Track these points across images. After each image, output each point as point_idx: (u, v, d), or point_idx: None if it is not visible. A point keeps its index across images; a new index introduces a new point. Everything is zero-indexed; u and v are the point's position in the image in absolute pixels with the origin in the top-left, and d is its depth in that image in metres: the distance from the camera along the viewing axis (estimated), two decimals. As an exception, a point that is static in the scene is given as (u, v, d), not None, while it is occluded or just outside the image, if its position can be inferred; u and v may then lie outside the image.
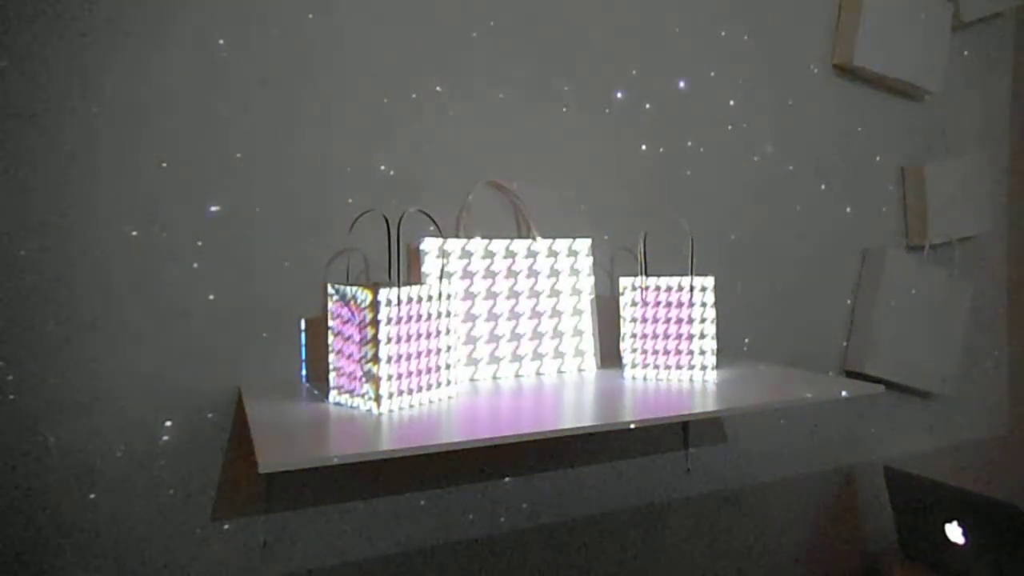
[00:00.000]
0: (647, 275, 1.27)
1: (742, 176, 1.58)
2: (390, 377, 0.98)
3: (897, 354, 1.75)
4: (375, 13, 1.22)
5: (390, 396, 0.98)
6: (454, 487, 1.30)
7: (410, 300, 1.01)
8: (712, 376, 1.21)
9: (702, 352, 1.21)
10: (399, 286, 0.99)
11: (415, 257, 1.21)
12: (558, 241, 1.31)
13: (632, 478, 1.46)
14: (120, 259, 1.06)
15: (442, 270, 1.18)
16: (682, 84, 1.51)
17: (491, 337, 1.24)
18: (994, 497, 1.44)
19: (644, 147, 1.47)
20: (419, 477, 1.27)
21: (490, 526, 1.33)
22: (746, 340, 1.59)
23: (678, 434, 1.51)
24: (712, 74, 1.54)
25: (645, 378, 1.24)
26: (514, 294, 1.26)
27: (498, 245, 1.26)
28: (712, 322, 1.21)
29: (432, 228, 1.18)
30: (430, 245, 1.20)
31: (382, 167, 1.23)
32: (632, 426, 0.99)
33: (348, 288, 1.01)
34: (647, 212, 1.44)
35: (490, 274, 1.25)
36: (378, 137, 1.23)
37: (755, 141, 1.60)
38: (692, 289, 1.21)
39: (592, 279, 1.33)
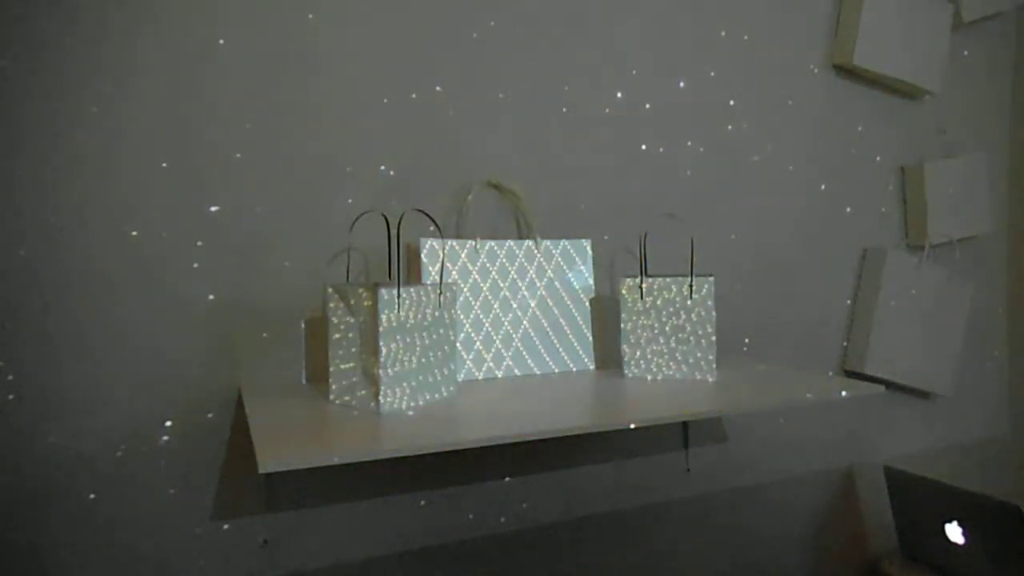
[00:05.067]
0: (647, 275, 1.27)
1: (742, 176, 1.58)
2: (390, 377, 0.98)
3: (897, 354, 1.75)
4: (375, 13, 1.22)
5: (390, 396, 0.99)
6: (454, 487, 1.30)
7: (410, 300, 1.01)
8: (712, 376, 1.21)
9: (702, 352, 1.21)
10: (399, 286, 0.99)
11: (415, 257, 1.21)
12: (558, 241, 1.31)
13: (632, 478, 1.46)
14: (120, 259, 1.06)
15: (442, 270, 1.18)
16: (682, 84, 1.51)
17: (491, 337, 1.24)
18: (994, 497, 1.44)
19: (644, 147, 1.47)
20: (419, 477, 1.27)
21: (490, 526, 1.33)
22: (746, 340, 1.59)
23: (678, 434, 1.51)
24: (712, 74, 1.54)
25: (645, 378, 1.24)
26: (514, 294, 1.26)
27: (498, 245, 1.26)
28: (712, 322, 1.21)
29: (432, 228, 1.18)
30: (430, 245, 1.20)
31: (382, 167, 1.23)
32: (632, 426, 0.98)
33: (348, 288, 1.01)
34: (647, 212, 1.44)
35: (490, 274, 1.25)
36: (378, 137, 1.23)
37: (755, 141, 1.60)
38: (692, 289, 1.21)
39: (592, 279, 1.33)
